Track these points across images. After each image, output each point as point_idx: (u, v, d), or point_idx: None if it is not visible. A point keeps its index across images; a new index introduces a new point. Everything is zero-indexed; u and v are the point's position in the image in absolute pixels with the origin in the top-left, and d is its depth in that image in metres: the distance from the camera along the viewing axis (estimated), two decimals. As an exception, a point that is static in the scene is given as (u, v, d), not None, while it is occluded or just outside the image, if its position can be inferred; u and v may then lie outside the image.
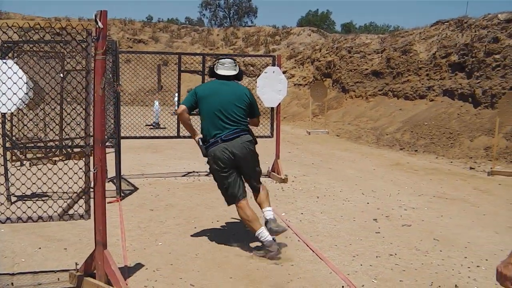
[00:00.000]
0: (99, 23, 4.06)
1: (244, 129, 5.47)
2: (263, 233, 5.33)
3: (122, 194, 7.71)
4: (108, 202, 6.98)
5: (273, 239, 5.40)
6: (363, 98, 19.73)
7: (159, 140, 10.54)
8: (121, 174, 8.46)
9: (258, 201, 5.63)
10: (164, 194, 8.01)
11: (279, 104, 9.33)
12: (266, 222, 5.44)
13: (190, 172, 9.75)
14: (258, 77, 9.23)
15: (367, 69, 20.56)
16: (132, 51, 23.52)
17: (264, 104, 9.15)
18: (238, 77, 5.62)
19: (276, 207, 7.17)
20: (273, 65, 9.34)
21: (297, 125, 19.41)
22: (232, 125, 5.36)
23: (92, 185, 4.15)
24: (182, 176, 9.28)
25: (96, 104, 4.02)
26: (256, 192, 5.64)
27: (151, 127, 12.64)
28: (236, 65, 5.64)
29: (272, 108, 9.43)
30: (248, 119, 5.62)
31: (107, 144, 7.50)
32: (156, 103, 13.06)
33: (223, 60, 5.62)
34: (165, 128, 12.53)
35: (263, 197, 5.60)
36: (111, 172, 8.46)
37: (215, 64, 5.61)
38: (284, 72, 24.77)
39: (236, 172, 5.45)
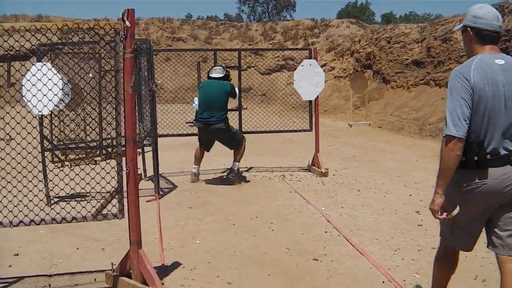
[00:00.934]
0: (127, 22, 4.02)
1: (220, 118, 7.82)
2: (193, 168, 8.10)
3: (161, 193, 7.65)
4: (147, 201, 7.01)
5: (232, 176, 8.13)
6: (405, 88, 19.31)
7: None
8: (160, 173, 8.49)
9: (234, 154, 8.19)
10: (203, 191, 7.92)
11: (317, 97, 9.16)
12: (230, 170, 8.10)
13: (227, 169, 9.35)
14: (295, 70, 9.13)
15: (407, 59, 20.13)
16: (167, 49, 23.56)
17: (302, 98, 9.02)
18: (224, 78, 8.12)
19: (316, 201, 7.10)
20: (310, 58, 9.20)
21: (338, 118, 19.14)
22: (212, 113, 7.78)
23: (125, 184, 4.13)
24: (221, 173, 9.20)
25: (126, 103, 4.00)
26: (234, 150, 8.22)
27: (191, 124, 12.63)
28: (223, 70, 8.23)
29: (310, 101, 9.26)
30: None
31: (145, 142, 7.59)
32: (195, 99, 12.96)
33: (215, 67, 8.28)
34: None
35: (235, 154, 8.19)
36: (151, 171, 8.36)
37: (210, 70, 8.24)
38: (323, 65, 24.33)
39: (209, 139, 8.09)
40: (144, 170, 8.75)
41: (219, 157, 10.04)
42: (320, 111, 10.28)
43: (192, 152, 8.73)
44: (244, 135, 8.60)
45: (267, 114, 10.79)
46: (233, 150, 8.45)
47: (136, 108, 7.15)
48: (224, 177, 8.47)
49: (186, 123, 9.40)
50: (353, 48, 24.85)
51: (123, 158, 4.14)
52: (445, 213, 3.27)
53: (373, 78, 21.94)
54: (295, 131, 9.77)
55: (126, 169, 4.05)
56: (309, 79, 8.83)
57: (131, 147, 4.03)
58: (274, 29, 32.33)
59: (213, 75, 8.34)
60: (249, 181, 8.53)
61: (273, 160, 10.48)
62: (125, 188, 4.12)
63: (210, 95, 8.04)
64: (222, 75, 8.34)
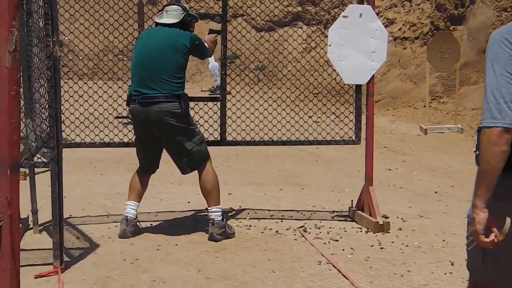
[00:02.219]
0: None
1: (171, 94, 6.69)
2: (127, 208, 6.86)
3: (67, 259, 5.89)
4: (38, 276, 5.79)
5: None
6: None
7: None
8: (67, 216, 7.18)
9: (203, 194, 6.93)
10: (151, 255, 6.18)
11: (373, 78, 7.78)
12: (210, 223, 6.83)
13: (199, 211, 7.78)
14: (323, 25, 7.92)
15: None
16: None
17: (343, 79, 7.77)
18: (182, 26, 6.97)
19: (371, 286, 5.84)
20: (360, 2, 7.93)
21: (401, 116, 17.05)
22: (156, 86, 6.69)
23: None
24: (184, 218, 7.77)
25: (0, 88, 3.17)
26: (199, 178, 6.93)
27: (125, 121, 11.71)
28: (181, 12, 6.97)
29: (358, 87, 7.94)
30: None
31: (36, 160, 6.29)
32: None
33: (167, 7, 7.08)
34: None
35: (207, 190, 6.88)
36: (45, 213, 6.92)
37: (160, 12, 7.14)
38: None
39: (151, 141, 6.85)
40: (34, 212, 7.00)
41: (178, 185, 9.08)
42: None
43: (129, 176, 7.60)
44: (209, 150, 7.14)
45: (268, 105, 9.21)
46: (181, 168, 7.06)
47: (22, 92, 6.31)
48: (209, 236, 7.06)
49: (116, 118, 8.29)
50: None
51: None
52: (493, 234, 3.21)
53: (470, 43, 19.76)
54: (330, 141, 8.33)
55: None
56: (358, 45, 7.83)
57: (6, 178, 3.23)
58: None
59: (162, 19, 7.12)
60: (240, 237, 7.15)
61: (281, 195, 8.94)
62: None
63: (152, 52, 6.83)
64: (177, 19, 7.06)
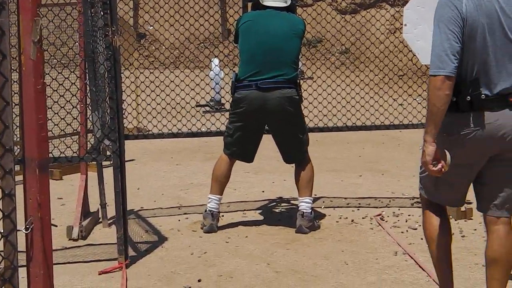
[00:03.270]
0: None
1: (291, 81, 6.53)
2: (211, 202, 6.53)
3: (132, 254, 5.91)
4: (102, 272, 5.73)
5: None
6: None
7: (218, 138, 9.04)
8: (136, 208, 7.22)
9: (297, 184, 6.68)
10: (219, 249, 6.09)
11: None
12: (299, 215, 6.57)
13: (273, 200, 7.72)
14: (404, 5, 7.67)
15: None
16: None
17: (419, 60, 7.44)
18: (290, 11, 6.86)
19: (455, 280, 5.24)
20: None
21: None
22: (274, 72, 6.52)
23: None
24: (257, 209, 7.50)
25: (24, 82, 3.00)
26: (296, 167, 6.72)
27: (206, 108, 11.31)
28: None
29: None
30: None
31: (98, 155, 6.20)
32: (215, 63, 10.83)
33: None
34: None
35: (304, 181, 6.69)
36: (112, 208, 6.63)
37: None
38: None
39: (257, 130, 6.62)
40: (103, 205, 6.95)
41: (253, 174, 8.81)
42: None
43: (206, 166, 7.76)
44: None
45: (350, 89, 8.98)
46: (293, 165, 6.92)
47: (88, 83, 6.42)
48: (297, 228, 6.84)
49: (196, 106, 8.24)
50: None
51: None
52: (440, 164, 3.87)
53: None
54: (405, 126, 8.01)
55: (26, 229, 3.05)
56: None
57: (35, 178, 3.03)
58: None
59: (269, 2, 6.79)
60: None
61: (360, 182, 8.77)
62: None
63: (275, 37, 6.66)
64: (286, 3, 6.83)
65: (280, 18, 6.68)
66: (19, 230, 2.95)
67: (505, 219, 4.11)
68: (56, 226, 4.54)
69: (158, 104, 7.37)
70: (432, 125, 3.84)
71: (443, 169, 3.88)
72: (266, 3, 6.76)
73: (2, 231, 2.86)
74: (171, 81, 7.48)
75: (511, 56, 3.88)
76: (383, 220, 7.11)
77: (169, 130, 7.31)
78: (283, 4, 6.78)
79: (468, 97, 3.84)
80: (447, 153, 3.89)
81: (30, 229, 2.91)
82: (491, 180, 4.06)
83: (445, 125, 3.88)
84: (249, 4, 7.12)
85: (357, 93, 7.96)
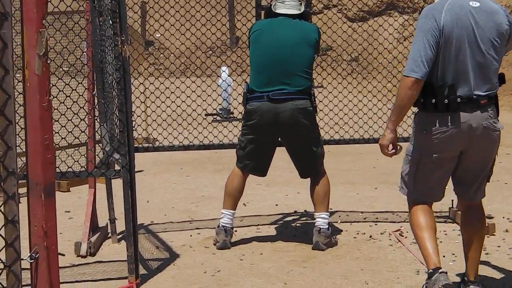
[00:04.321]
0: None
1: (304, 91, 6.37)
2: (224, 217, 6.31)
3: (143, 272, 5.65)
4: None
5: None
6: None
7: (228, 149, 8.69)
8: (147, 223, 7.04)
9: (312, 199, 6.49)
10: (233, 267, 5.79)
11: None
12: (316, 231, 6.36)
13: (287, 214, 7.46)
14: (419, 11, 7.03)
15: None
16: None
17: None
18: (304, 18, 6.65)
19: None
20: None
21: (504, 105, 16.09)
22: (287, 81, 6.38)
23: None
24: (271, 223, 7.24)
25: (29, 96, 2.79)
26: (312, 181, 6.50)
27: (216, 118, 11.31)
28: (301, 4, 6.61)
29: None
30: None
31: (107, 170, 5.96)
32: (225, 71, 10.49)
33: None
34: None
35: (320, 195, 6.48)
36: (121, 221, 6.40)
37: (272, 2, 6.68)
38: None
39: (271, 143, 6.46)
40: (112, 221, 6.69)
41: (266, 186, 8.51)
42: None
43: (216, 178, 7.87)
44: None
45: (362, 96, 8.69)
46: (308, 178, 6.67)
47: (96, 94, 6.26)
48: (314, 245, 6.62)
49: (206, 116, 8.12)
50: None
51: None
52: (393, 150, 4.70)
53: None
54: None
55: (30, 258, 2.81)
56: None
57: (40, 203, 2.79)
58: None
59: (282, 9, 6.61)
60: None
61: (376, 195, 8.41)
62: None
63: (286, 46, 6.47)
64: (300, 11, 6.65)
65: (291, 27, 6.51)
66: (23, 259, 2.72)
67: (477, 201, 4.91)
68: (64, 255, 4.27)
69: (168, 115, 7.17)
70: (396, 116, 4.60)
71: (395, 154, 4.75)
72: (278, 11, 6.60)
73: (5, 261, 2.64)
74: (182, 92, 7.34)
75: (482, 64, 4.49)
76: (402, 235, 6.84)
77: (180, 142, 7.08)
78: (296, 12, 6.59)
79: (446, 100, 4.46)
80: (399, 146, 4.77)
81: (35, 258, 2.68)
82: (463, 174, 4.76)
83: (425, 124, 4.58)
84: (263, 12, 6.94)
85: (369, 101, 7.84)
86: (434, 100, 4.48)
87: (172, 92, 7.34)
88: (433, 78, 4.52)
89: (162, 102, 7.23)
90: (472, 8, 4.46)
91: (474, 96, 4.50)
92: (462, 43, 4.44)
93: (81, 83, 5.81)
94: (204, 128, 7.31)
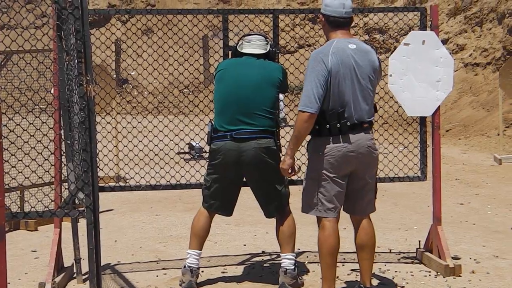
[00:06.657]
0: None
1: (267, 131, 6.38)
2: (190, 257, 6.31)
3: None
4: None
5: None
6: None
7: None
8: (113, 263, 7.01)
9: (278, 239, 6.48)
10: None
11: (438, 110, 7.26)
12: (282, 272, 6.31)
13: (255, 255, 7.58)
14: (391, 53, 7.59)
15: None
16: (142, 9, 20.28)
17: (405, 111, 7.31)
18: (269, 58, 6.70)
19: None
20: (422, 27, 7.43)
21: (474, 145, 17.06)
22: (250, 120, 6.38)
23: None
24: (238, 264, 7.21)
25: None
26: (277, 221, 6.51)
27: (187, 156, 11.64)
28: (267, 43, 6.68)
29: (423, 119, 7.43)
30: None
31: (71, 210, 5.79)
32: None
33: (249, 37, 6.72)
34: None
35: (285, 236, 6.45)
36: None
37: (239, 42, 6.73)
38: (444, 41, 20.86)
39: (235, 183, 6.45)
40: (77, 260, 6.76)
41: (235, 226, 8.65)
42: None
43: (186, 217, 8.07)
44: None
45: None
46: (273, 218, 6.68)
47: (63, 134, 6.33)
48: (279, 286, 6.62)
49: (178, 154, 8.08)
50: (501, 9, 21.65)
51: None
52: (292, 172, 5.63)
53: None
54: (391, 179, 7.71)
55: None
56: (421, 73, 7.33)
57: None
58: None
59: (247, 49, 6.70)
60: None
61: (345, 235, 8.00)
62: None
63: (248, 85, 6.49)
64: (265, 50, 6.72)
65: (254, 67, 6.53)
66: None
67: (366, 216, 5.76)
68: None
69: (135, 155, 7.04)
70: (294, 145, 5.44)
71: (297, 176, 5.99)
72: (244, 50, 6.67)
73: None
74: (149, 132, 7.35)
75: (363, 95, 5.48)
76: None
77: (147, 182, 7.03)
78: (261, 51, 6.65)
79: (338, 124, 5.35)
80: (300, 166, 5.81)
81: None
82: (352, 191, 5.60)
83: (320, 146, 5.41)
84: (230, 53, 6.98)
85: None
86: (328, 125, 5.35)
87: (139, 132, 7.36)
88: (325, 108, 5.35)
89: (130, 141, 7.20)
90: (351, 50, 5.45)
91: (359, 121, 5.43)
92: (346, 79, 5.37)
93: (45, 122, 5.77)
94: (171, 167, 7.25)
